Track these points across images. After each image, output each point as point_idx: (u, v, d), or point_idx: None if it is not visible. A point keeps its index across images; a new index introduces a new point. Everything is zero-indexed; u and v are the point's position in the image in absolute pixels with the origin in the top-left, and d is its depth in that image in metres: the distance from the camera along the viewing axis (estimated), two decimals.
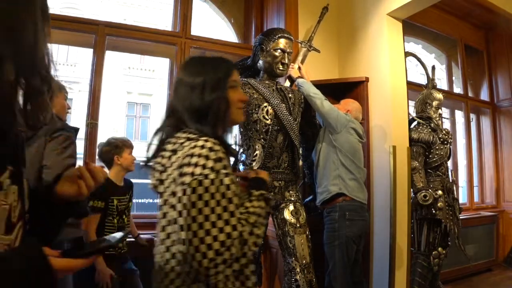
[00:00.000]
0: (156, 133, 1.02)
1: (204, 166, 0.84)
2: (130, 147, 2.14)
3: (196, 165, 0.85)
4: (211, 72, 1.02)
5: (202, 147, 0.87)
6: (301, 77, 2.30)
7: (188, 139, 0.91)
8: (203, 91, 0.97)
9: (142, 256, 2.19)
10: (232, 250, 0.84)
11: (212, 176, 0.84)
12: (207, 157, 0.85)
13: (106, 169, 2.11)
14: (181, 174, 0.86)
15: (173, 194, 0.89)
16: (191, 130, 0.94)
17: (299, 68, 2.40)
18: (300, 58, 2.47)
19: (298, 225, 2.00)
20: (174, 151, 0.92)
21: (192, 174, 0.84)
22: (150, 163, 0.99)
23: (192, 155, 0.86)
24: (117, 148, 2.06)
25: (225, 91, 1.00)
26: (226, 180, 0.86)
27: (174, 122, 0.99)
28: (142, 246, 2.25)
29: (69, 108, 1.96)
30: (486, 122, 4.75)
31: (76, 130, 1.80)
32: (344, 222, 2.12)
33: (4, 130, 0.54)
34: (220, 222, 0.83)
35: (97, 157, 2.18)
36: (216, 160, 0.86)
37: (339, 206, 2.15)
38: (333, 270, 2.14)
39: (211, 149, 0.86)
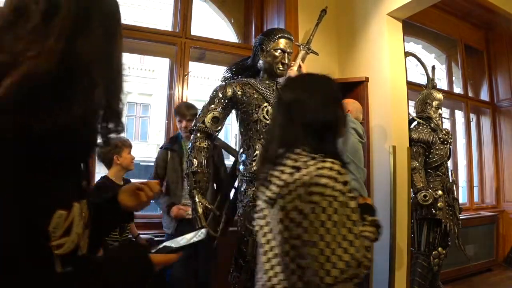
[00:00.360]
0: (265, 148, 1.09)
1: (333, 188, 0.89)
2: (129, 146, 2.14)
3: (326, 186, 0.89)
4: (327, 88, 1.08)
5: (331, 169, 0.91)
6: None
7: (313, 158, 0.95)
8: (329, 108, 1.02)
9: None
10: (351, 271, 0.87)
11: (341, 198, 0.89)
12: (336, 180, 0.90)
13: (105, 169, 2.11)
14: (310, 193, 0.89)
15: (299, 211, 0.91)
16: (307, 148, 0.98)
17: (300, 67, 2.39)
18: (298, 60, 2.47)
19: None
20: (298, 168, 0.95)
21: (322, 194, 0.88)
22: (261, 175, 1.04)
23: (321, 176, 0.90)
24: (116, 147, 2.06)
25: (341, 106, 1.08)
26: (352, 203, 0.91)
27: (289, 139, 1.01)
28: None
29: None
30: (486, 122, 4.75)
31: None
32: None
33: (91, 146, 0.65)
34: (345, 243, 0.87)
35: (96, 157, 2.17)
36: (344, 183, 0.91)
37: None
38: None
39: (339, 172, 0.91)
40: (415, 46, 4.88)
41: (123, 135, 2.49)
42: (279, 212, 0.96)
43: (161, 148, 2.52)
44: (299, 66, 2.40)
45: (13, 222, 0.50)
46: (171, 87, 2.96)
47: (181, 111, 2.43)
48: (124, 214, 0.85)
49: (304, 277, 0.90)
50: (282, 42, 2.04)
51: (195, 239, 0.77)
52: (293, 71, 2.31)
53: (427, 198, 2.52)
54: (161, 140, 11.01)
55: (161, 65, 11.25)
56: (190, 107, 2.48)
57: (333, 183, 0.89)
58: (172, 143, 2.46)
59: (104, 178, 2.08)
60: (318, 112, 1.01)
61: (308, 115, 1.01)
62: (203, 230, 0.80)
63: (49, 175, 0.55)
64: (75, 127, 0.56)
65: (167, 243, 0.76)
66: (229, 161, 2.42)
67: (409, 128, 2.76)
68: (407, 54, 2.92)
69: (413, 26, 3.95)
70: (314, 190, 0.89)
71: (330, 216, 0.87)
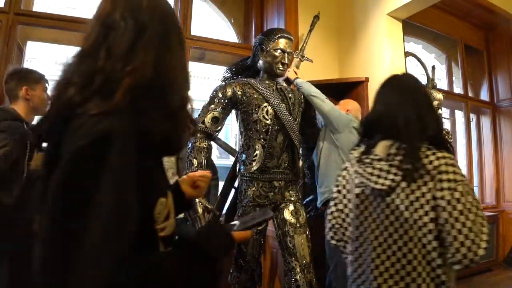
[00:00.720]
0: (372, 139, 1.20)
1: (460, 174, 1.05)
2: None
3: (454, 173, 1.04)
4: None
5: (450, 158, 1.07)
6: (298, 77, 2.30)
7: (428, 149, 1.09)
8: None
9: None
10: None
11: (466, 181, 1.05)
12: (457, 166, 1.07)
13: None
14: (441, 180, 1.04)
15: (430, 197, 1.04)
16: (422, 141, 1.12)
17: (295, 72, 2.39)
18: (292, 68, 2.47)
19: (298, 225, 2.00)
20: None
21: (455, 180, 1.03)
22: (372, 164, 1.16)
23: (446, 164, 1.05)
24: None
25: None
26: (472, 186, 1.05)
27: (413, 132, 1.12)
28: None
29: (50, 100, 1.85)
30: (486, 122, 4.75)
31: (23, 134, 1.61)
32: None
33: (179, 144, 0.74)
34: (480, 218, 1.02)
35: None
36: (459, 167, 1.08)
37: None
38: (334, 270, 2.13)
39: (454, 160, 1.08)
40: (415, 46, 4.88)
41: None
42: (402, 200, 1.07)
43: None
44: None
45: (135, 209, 0.57)
46: None
47: None
48: (187, 202, 0.96)
49: (454, 256, 1.01)
50: (282, 42, 2.04)
51: (262, 218, 0.87)
52: (290, 72, 2.30)
53: None
54: None
55: None
56: None
57: (458, 169, 1.05)
58: None
59: None
60: (433, 108, 1.19)
61: (432, 110, 1.18)
62: (268, 210, 0.89)
63: (154, 168, 0.66)
64: (176, 129, 0.67)
65: (234, 223, 0.85)
66: (229, 161, 2.42)
67: None
68: (407, 54, 2.92)
69: (413, 26, 3.94)
70: (445, 177, 1.03)
71: (466, 198, 1.01)
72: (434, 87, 2.91)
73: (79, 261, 0.50)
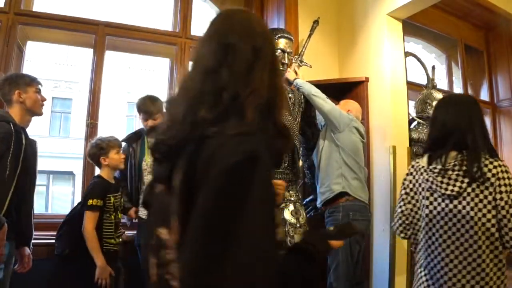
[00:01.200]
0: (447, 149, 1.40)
1: None
2: (117, 146, 2.09)
3: (509, 178, 1.31)
4: None
5: (504, 165, 1.33)
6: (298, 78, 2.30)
7: (486, 158, 1.34)
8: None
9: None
10: None
11: None
12: (509, 172, 1.33)
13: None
14: (499, 185, 1.30)
15: (490, 199, 1.30)
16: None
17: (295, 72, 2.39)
18: (292, 69, 2.46)
19: (298, 225, 2.00)
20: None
21: (510, 184, 1.30)
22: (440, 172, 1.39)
23: (502, 172, 1.31)
24: (102, 149, 2.04)
25: None
26: None
27: (478, 144, 1.37)
28: (126, 243, 2.24)
29: (44, 100, 1.87)
30: (486, 122, 4.74)
31: (8, 133, 1.63)
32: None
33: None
34: None
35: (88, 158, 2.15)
36: (511, 172, 1.34)
37: (342, 206, 2.15)
38: (335, 271, 2.13)
39: (507, 166, 1.34)
40: (415, 46, 4.87)
41: (124, 134, 2.48)
42: (468, 202, 1.31)
43: (123, 140, 2.30)
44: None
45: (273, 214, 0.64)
46: (171, 87, 2.96)
47: (146, 107, 2.22)
48: None
49: (508, 242, 1.29)
50: (282, 42, 2.05)
51: (352, 233, 0.93)
52: (290, 73, 2.30)
53: None
54: None
55: (161, 65, 11.23)
56: (155, 100, 2.23)
57: (511, 175, 1.32)
58: (135, 139, 2.32)
59: (98, 177, 2.08)
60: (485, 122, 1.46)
61: (485, 125, 1.46)
62: (362, 231, 0.94)
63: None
64: (285, 144, 0.74)
65: (328, 231, 0.94)
66: None
67: (409, 128, 2.75)
68: (407, 54, 2.92)
69: (413, 26, 3.94)
70: (502, 182, 1.30)
71: None
72: (434, 87, 2.91)
73: (232, 265, 0.54)
